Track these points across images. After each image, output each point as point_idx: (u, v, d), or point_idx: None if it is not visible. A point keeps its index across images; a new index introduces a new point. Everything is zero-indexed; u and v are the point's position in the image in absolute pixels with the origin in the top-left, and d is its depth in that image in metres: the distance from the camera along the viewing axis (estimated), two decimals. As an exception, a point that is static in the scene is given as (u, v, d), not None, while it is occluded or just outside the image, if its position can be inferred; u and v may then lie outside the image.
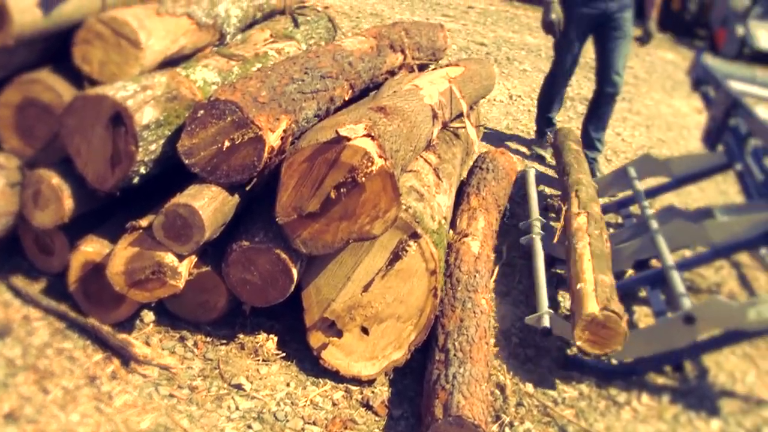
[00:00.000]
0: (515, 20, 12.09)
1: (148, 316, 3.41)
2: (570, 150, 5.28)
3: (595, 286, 3.55)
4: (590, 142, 6.49)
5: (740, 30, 14.00)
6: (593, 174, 6.07)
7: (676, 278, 3.93)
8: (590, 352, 3.42)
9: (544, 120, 6.70)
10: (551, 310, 3.68)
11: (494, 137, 6.70)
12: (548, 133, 6.61)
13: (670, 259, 4.12)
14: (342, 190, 2.92)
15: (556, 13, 6.18)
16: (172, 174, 3.19)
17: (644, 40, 6.52)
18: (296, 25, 4.68)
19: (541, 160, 6.48)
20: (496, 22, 11.55)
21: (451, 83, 4.32)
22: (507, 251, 4.73)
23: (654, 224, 4.45)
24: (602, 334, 3.38)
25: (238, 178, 3.04)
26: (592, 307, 3.40)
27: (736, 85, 4.79)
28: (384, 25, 4.71)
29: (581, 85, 9.07)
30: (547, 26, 6.26)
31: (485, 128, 6.55)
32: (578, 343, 3.38)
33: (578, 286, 3.62)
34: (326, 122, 3.28)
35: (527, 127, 7.21)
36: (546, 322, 3.61)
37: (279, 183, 2.98)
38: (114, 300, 3.24)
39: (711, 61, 5.34)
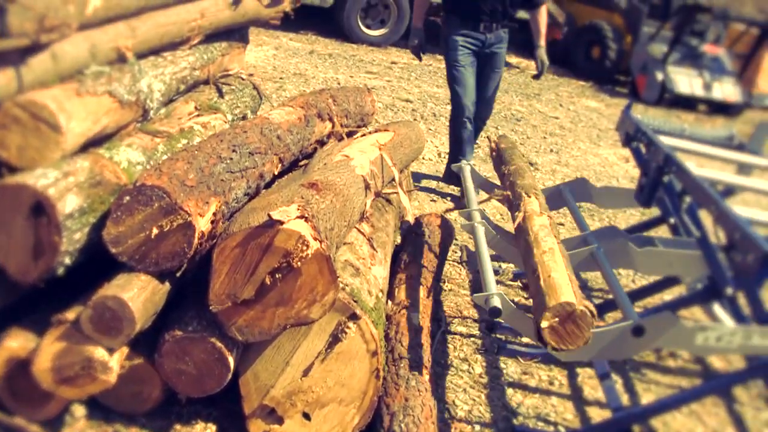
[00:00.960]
0: (439, 74, 12.12)
1: (79, 410, 3.26)
2: (518, 156, 5.22)
3: (570, 281, 3.40)
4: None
5: (659, 76, 14.28)
6: None
7: (621, 293, 3.87)
8: (548, 341, 3.25)
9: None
10: (502, 293, 3.55)
11: (426, 198, 6.65)
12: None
13: (614, 275, 4.07)
14: (277, 275, 2.82)
15: (419, 39, 6.70)
16: (99, 261, 3.06)
17: (540, 71, 6.92)
18: (221, 95, 4.59)
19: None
20: (420, 77, 11.59)
21: (381, 150, 4.26)
22: (445, 319, 4.66)
23: (593, 240, 4.41)
24: (568, 329, 3.17)
25: (168, 265, 2.93)
26: (569, 296, 3.20)
27: (667, 141, 4.79)
28: (311, 93, 4.65)
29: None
30: (412, 50, 6.82)
31: (416, 188, 6.52)
32: (543, 324, 3.18)
33: (551, 275, 3.46)
34: (257, 202, 3.19)
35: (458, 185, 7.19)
36: (496, 303, 3.47)
37: (211, 269, 2.87)
38: (42, 396, 3.08)
39: (640, 116, 5.35)
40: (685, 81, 14.66)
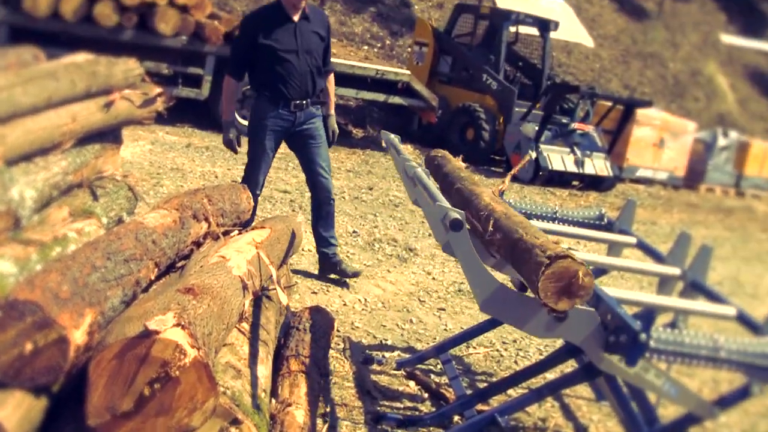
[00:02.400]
0: (316, 163, 12.21)
1: None
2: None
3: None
4: (324, 241, 7.06)
5: (533, 154, 14.62)
6: (340, 264, 7.05)
7: None
8: (543, 285, 3.35)
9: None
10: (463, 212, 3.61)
11: (307, 290, 6.66)
12: None
13: None
14: (156, 385, 2.79)
15: (233, 133, 6.75)
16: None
17: (331, 140, 7.10)
18: (95, 198, 4.56)
19: None
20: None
21: (258, 248, 4.26)
22: (332, 412, 4.66)
23: None
24: (563, 289, 3.36)
25: (44, 380, 2.88)
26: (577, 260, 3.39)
27: (539, 224, 4.91)
28: (185, 193, 4.63)
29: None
30: (227, 143, 6.83)
31: (296, 282, 6.53)
32: (565, 265, 3.34)
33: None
34: (133, 311, 3.17)
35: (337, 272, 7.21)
36: (456, 215, 3.53)
37: (88, 382, 2.83)
38: None
39: (513, 199, 5.49)
40: (558, 158, 15.09)
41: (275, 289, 4.46)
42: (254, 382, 3.55)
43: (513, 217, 4.04)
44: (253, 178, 6.82)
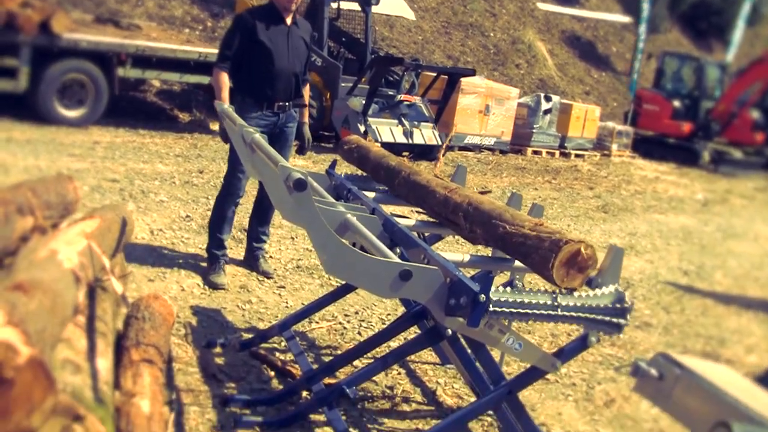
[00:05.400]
0: (144, 149, 11.97)
1: None
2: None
3: None
4: (257, 236, 7.24)
5: (362, 128, 14.69)
6: (258, 262, 7.17)
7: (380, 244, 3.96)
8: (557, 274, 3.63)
9: (216, 242, 6.94)
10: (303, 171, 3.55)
11: (143, 278, 6.52)
12: (220, 258, 6.83)
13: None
14: (-11, 388, 2.69)
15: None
16: None
17: (304, 147, 7.24)
18: None
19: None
20: (125, 155, 11.37)
21: (89, 239, 4.15)
22: (178, 399, 4.59)
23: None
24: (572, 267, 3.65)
25: None
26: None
27: (371, 195, 4.94)
28: (7, 188, 4.46)
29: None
30: (223, 133, 6.67)
31: (132, 270, 6.39)
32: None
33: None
34: (-40, 313, 3.03)
35: (175, 260, 7.10)
36: (298, 174, 3.48)
37: None
38: None
39: (344, 173, 5.51)
40: (387, 130, 15.19)
41: (109, 279, 4.35)
42: (95, 375, 3.46)
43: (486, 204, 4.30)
44: (236, 185, 6.87)
